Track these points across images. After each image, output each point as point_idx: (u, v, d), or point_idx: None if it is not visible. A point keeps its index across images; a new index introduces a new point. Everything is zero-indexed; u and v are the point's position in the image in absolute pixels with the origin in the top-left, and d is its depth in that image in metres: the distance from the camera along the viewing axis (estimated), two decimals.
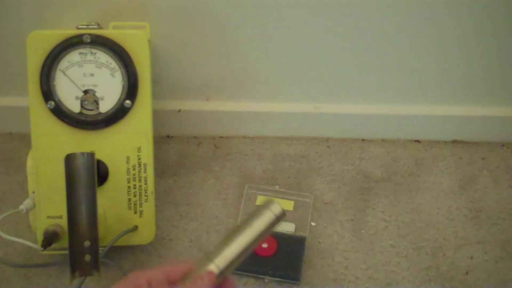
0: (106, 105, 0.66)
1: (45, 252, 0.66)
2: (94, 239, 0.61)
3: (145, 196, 0.69)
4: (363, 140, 0.86)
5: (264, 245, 0.72)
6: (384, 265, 0.72)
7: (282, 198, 0.78)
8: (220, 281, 0.44)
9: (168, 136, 0.87)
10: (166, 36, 0.75)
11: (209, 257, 0.44)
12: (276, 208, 0.46)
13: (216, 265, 0.44)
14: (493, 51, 0.76)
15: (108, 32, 0.66)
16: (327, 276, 0.71)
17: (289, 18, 0.73)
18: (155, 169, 0.70)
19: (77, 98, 0.66)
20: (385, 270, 0.72)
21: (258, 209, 0.47)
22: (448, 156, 0.84)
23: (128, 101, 0.67)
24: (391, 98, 0.82)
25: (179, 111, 0.83)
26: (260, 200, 0.77)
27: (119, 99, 0.66)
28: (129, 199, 0.69)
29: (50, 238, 0.65)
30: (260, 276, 0.71)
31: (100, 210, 0.65)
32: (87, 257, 0.61)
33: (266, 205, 0.47)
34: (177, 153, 0.85)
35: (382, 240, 0.75)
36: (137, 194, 0.69)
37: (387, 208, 0.78)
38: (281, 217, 0.46)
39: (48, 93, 0.66)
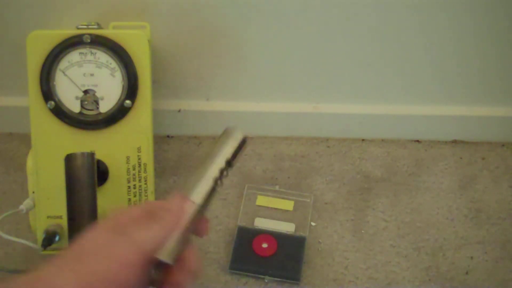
0: (106, 105, 0.66)
1: (45, 252, 0.66)
2: None
3: (145, 196, 0.69)
4: (363, 140, 0.86)
5: (264, 245, 0.72)
6: (384, 265, 0.72)
7: (282, 198, 0.78)
8: (198, 217, 0.44)
9: (168, 136, 0.87)
10: (166, 36, 0.75)
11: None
12: (235, 133, 0.47)
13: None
14: (493, 51, 0.76)
15: (108, 32, 0.66)
16: (327, 276, 0.71)
17: (289, 18, 0.73)
18: (155, 169, 0.70)
19: (77, 98, 0.66)
20: (385, 270, 0.72)
21: (220, 139, 0.47)
22: (448, 156, 0.84)
23: (128, 101, 0.67)
24: (391, 98, 0.82)
25: (179, 111, 0.83)
26: (260, 200, 0.77)
27: (119, 99, 0.66)
28: (129, 199, 0.69)
29: (50, 238, 0.65)
30: (260, 276, 0.70)
31: (100, 210, 0.65)
32: None
33: (225, 135, 0.47)
34: (177, 153, 0.85)
35: (382, 240, 0.75)
36: (137, 194, 0.69)
37: (387, 208, 0.78)
38: (243, 143, 0.47)
39: (48, 93, 0.66)
